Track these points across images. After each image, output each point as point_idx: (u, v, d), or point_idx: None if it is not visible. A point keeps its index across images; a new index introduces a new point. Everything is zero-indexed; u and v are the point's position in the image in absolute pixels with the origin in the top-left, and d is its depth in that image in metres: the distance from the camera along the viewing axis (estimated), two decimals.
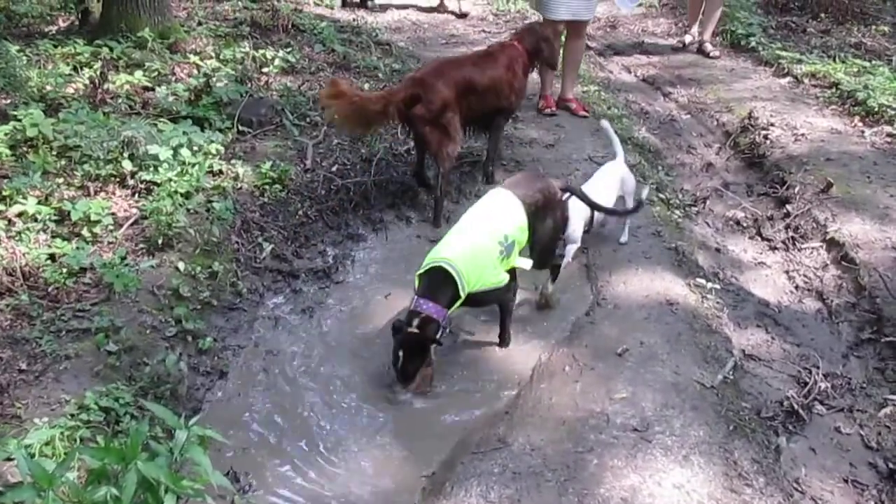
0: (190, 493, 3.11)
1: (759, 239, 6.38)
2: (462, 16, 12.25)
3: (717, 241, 6.35)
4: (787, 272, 5.92)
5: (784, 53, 9.95)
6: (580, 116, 8.19)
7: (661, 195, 6.72)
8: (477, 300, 4.64)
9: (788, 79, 9.36)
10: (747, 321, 5.34)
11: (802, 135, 7.62)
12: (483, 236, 4.56)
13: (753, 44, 10.55)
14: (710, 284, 5.41)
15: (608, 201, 5.59)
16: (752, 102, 8.53)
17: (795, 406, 4.46)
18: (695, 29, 10.96)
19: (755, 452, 3.96)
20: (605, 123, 6.22)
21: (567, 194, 5.22)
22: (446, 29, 11.74)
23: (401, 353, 4.37)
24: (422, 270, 4.49)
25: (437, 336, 4.41)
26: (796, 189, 6.68)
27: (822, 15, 11.63)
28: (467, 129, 6.63)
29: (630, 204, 5.86)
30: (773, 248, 6.23)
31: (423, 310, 4.35)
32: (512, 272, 4.77)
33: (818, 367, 4.80)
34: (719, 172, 7.57)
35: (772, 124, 7.87)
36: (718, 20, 10.66)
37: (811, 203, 6.43)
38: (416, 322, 4.34)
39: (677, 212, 6.59)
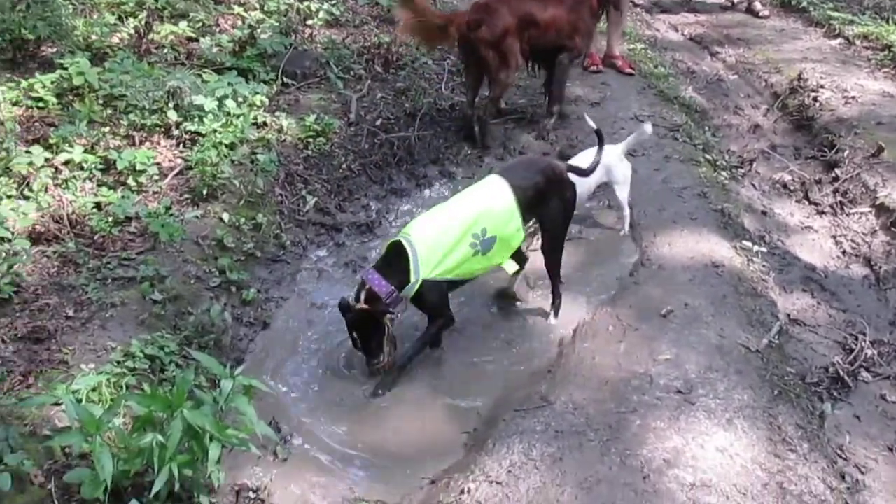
0: (234, 441, 3.15)
1: (807, 203, 6.29)
2: None
3: (763, 204, 6.26)
4: (834, 237, 5.84)
5: (836, 14, 9.75)
6: (626, 74, 8.07)
7: (707, 156, 6.62)
8: (419, 297, 4.30)
9: (839, 40, 9.18)
10: (793, 285, 5.28)
11: (853, 97, 7.47)
12: (456, 222, 4.28)
13: (804, 4, 10.34)
14: (755, 247, 5.36)
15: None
16: (801, 64, 8.39)
17: (841, 372, 4.42)
18: None
19: (799, 418, 3.91)
20: (647, 127, 5.75)
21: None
22: None
23: (355, 335, 4.21)
24: (388, 241, 4.33)
25: (386, 311, 4.19)
26: (845, 153, 6.57)
27: None
28: (529, 65, 6.74)
29: (620, 195, 5.56)
30: (821, 213, 6.14)
31: (369, 282, 4.16)
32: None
33: (865, 334, 4.75)
34: (767, 134, 7.46)
35: (821, 86, 7.73)
36: None
37: (861, 167, 6.32)
38: (362, 295, 4.17)
39: (724, 173, 6.49)
